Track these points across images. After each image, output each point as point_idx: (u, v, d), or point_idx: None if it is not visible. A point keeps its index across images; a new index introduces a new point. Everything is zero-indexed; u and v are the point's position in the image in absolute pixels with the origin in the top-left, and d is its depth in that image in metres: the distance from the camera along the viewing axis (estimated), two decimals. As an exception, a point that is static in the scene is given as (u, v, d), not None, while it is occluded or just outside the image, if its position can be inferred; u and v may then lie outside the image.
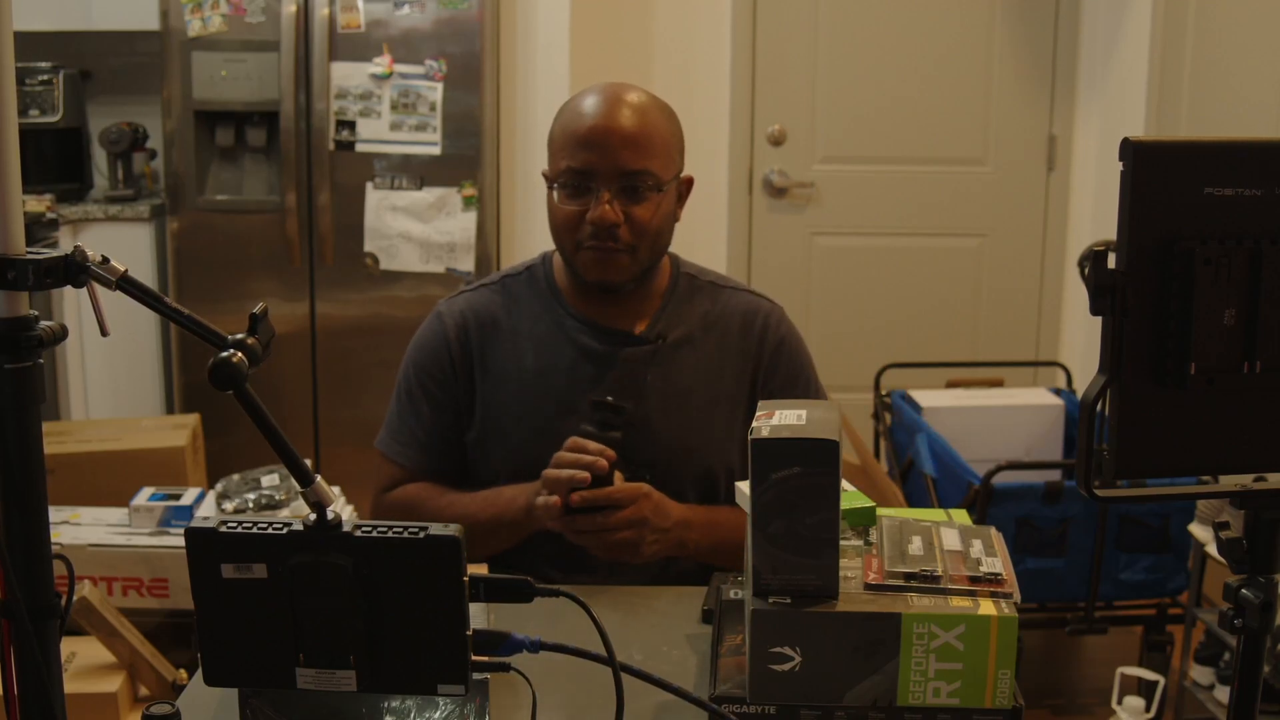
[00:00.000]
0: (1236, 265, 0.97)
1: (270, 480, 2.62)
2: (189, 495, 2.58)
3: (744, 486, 1.29)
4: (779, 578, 1.20)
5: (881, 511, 1.36)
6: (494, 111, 3.67)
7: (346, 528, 0.98)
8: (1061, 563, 2.93)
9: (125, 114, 4.04)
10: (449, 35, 3.58)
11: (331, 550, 0.98)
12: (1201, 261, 0.97)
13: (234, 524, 1.00)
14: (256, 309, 0.98)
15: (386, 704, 1.16)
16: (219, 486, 2.61)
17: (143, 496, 2.56)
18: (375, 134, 3.61)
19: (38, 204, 3.50)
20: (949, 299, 4.34)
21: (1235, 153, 0.98)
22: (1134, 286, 0.97)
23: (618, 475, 1.68)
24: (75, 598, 1.77)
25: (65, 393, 3.70)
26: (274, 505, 2.56)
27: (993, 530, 1.35)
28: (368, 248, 3.66)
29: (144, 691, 2.16)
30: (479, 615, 1.26)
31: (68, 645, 2.03)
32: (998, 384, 3.77)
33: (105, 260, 0.96)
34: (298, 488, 0.99)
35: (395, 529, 0.98)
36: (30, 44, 3.82)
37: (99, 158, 4.04)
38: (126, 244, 3.72)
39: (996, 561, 1.25)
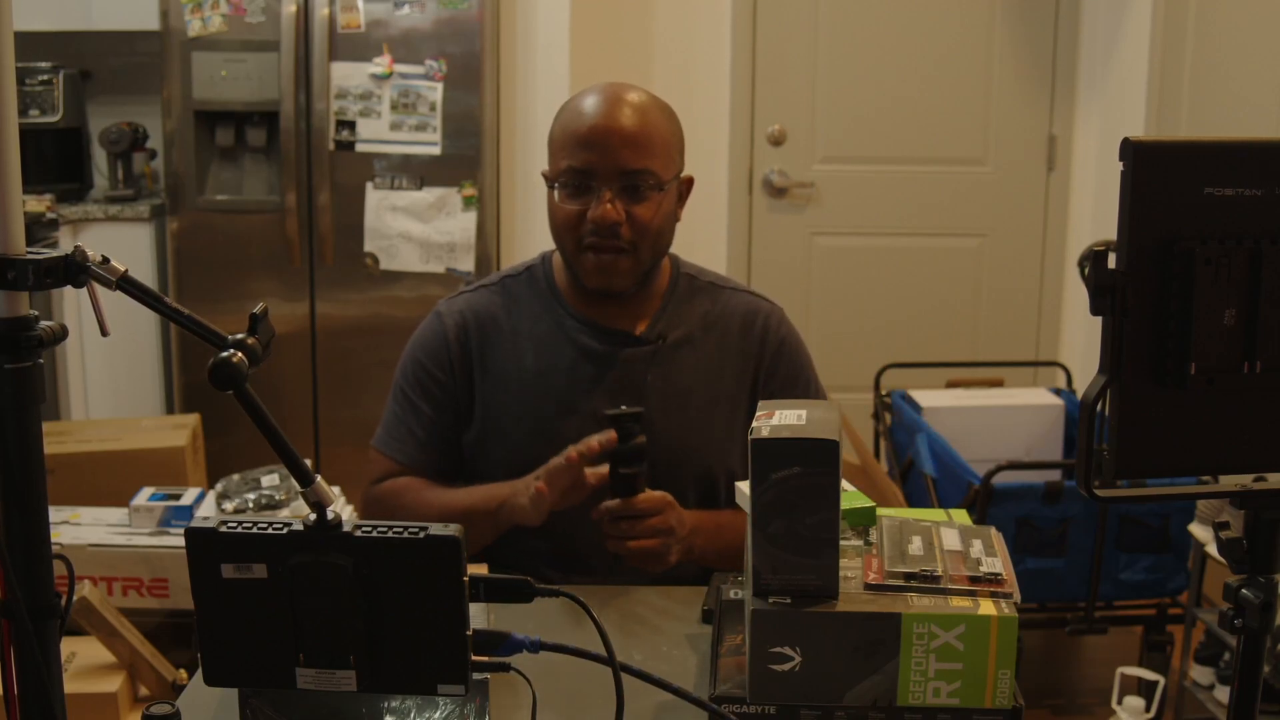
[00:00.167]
0: (1236, 265, 0.98)
1: (270, 480, 2.62)
2: (189, 495, 2.58)
3: (744, 486, 1.29)
4: (779, 578, 1.20)
5: (881, 511, 1.36)
6: (494, 111, 3.67)
7: (346, 528, 0.98)
8: (1061, 563, 2.93)
9: (125, 114, 4.04)
10: (449, 35, 3.58)
11: (331, 550, 0.98)
12: (1202, 261, 0.97)
13: (234, 524, 1.00)
14: (256, 309, 0.98)
15: (386, 704, 1.17)
16: (219, 486, 2.62)
17: (143, 496, 2.57)
18: (375, 134, 3.60)
19: (38, 204, 3.50)
20: (949, 299, 4.34)
21: (1235, 153, 0.98)
22: (1134, 286, 0.97)
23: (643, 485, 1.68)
24: (75, 598, 1.77)
25: (65, 393, 3.70)
26: (274, 505, 2.56)
27: (993, 530, 1.35)
28: (368, 248, 3.65)
29: (144, 691, 2.16)
30: (479, 615, 1.26)
31: (68, 645, 2.03)
32: (998, 384, 3.77)
33: (105, 260, 0.96)
34: (298, 488, 0.99)
35: (395, 529, 0.98)
36: (30, 44, 3.82)
37: (99, 158, 4.04)
38: (126, 244, 3.72)
39: (996, 561, 1.25)
